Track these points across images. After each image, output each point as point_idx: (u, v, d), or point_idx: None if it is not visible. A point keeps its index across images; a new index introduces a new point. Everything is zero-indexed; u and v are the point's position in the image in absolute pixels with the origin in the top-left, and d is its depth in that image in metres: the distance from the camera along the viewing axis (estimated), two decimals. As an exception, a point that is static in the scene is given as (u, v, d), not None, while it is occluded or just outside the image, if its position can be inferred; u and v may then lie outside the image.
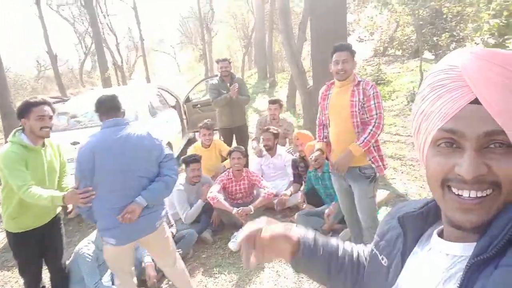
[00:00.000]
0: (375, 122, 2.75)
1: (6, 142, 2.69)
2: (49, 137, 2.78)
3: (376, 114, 2.76)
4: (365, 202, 2.94)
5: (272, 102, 5.55)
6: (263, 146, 4.86)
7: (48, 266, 2.99)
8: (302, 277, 3.28)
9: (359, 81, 2.81)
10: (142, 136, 2.46)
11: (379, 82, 10.66)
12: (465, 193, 0.58)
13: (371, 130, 2.75)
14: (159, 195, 2.49)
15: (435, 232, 0.71)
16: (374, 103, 2.75)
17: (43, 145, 2.75)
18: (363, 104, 2.75)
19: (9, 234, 2.77)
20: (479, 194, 0.57)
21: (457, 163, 0.58)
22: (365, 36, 13.09)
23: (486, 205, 0.58)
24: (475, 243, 0.58)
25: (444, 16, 11.52)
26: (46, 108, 2.70)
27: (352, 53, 2.82)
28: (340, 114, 2.86)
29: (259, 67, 19.81)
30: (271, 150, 4.80)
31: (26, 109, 2.65)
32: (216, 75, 5.64)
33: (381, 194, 4.38)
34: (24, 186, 2.46)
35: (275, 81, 16.80)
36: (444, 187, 0.61)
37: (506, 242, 0.55)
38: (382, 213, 4.03)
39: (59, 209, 3.01)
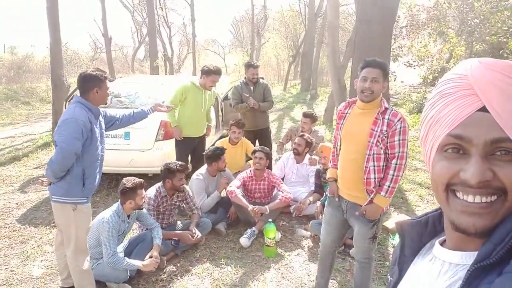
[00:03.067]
0: (396, 164, 2.38)
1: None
2: (210, 90, 4.89)
3: (399, 153, 2.37)
4: (363, 242, 2.61)
5: (305, 115, 5.57)
6: (293, 149, 4.93)
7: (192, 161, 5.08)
8: (305, 284, 3.32)
9: (386, 108, 2.39)
10: (67, 111, 2.74)
11: (422, 110, 10.40)
12: (470, 198, 0.58)
13: (393, 175, 2.39)
14: (48, 167, 2.70)
15: (437, 241, 0.71)
16: (399, 140, 2.36)
17: (205, 90, 4.81)
18: (385, 137, 2.37)
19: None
20: (484, 200, 0.58)
21: (462, 169, 0.59)
22: (414, 61, 12.84)
23: (491, 210, 0.58)
24: (477, 252, 0.58)
25: (501, 52, 11.12)
26: (217, 78, 4.76)
27: (385, 73, 2.42)
28: (354, 141, 2.48)
29: (303, 79, 19.86)
30: (299, 155, 4.86)
31: (208, 72, 4.68)
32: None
33: (401, 219, 4.32)
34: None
35: (317, 94, 16.78)
36: (449, 191, 0.62)
37: (509, 248, 0.55)
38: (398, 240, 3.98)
39: (204, 132, 5.06)
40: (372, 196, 2.44)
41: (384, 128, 2.35)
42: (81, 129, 2.62)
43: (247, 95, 5.28)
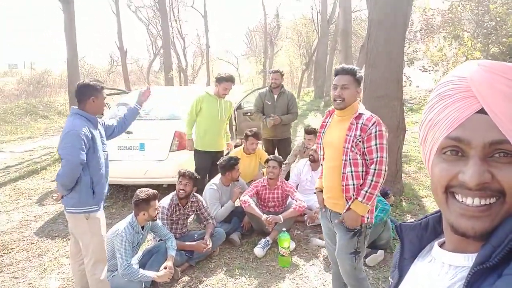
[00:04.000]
0: (374, 170, 2.30)
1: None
2: (224, 98, 4.86)
3: (377, 158, 2.30)
4: (344, 257, 2.46)
5: (308, 132, 5.30)
6: (309, 156, 4.84)
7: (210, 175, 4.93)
8: (321, 294, 3.27)
9: (360, 114, 2.36)
10: (67, 123, 2.82)
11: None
12: (469, 200, 0.58)
13: (372, 180, 2.30)
14: (57, 181, 2.80)
15: (436, 243, 0.71)
16: (376, 144, 2.30)
17: (219, 99, 4.82)
18: (359, 141, 2.32)
19: (196, 151, 4.93)
20: (483, 202, 0.58)
21: (461, 171, 0.59)
22: (429, 66, 12.67)
23: (490, 213, 0.58)
24: (476, 254, 0.58)
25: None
26: (230, 85, 4.77)
27: (357, 79, 2.41)
28: (333, 148, 2.46)
29: (317, 86, 19.85)
30: (314, 162, 4.78)
31: (220, 79, 4.75)
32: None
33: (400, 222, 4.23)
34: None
35: (330, 101, 16.72)
36: (448, 193, 0.62)
37: (509, 251, 0.54)
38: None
39: (224, 147, 5.13)
40: (349, 202, 2.36)
41: (358, 132, 2.31)
42: (83, 139, 2.70)
43: (269, 103, 5.27)
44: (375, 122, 2.31)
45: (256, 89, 9.59)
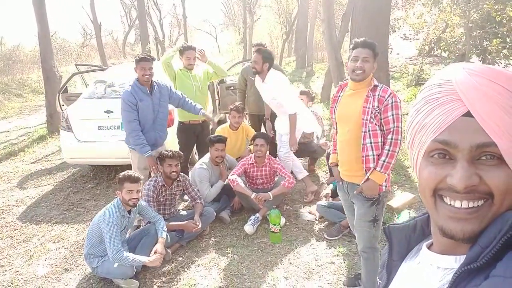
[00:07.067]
0: (391, 139, 2.39)
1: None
2: (192, 68, 4.75)
3: (393, 127, 2.39)
4: (364, 225, 2.58)
5: (301, 92, 5.58)
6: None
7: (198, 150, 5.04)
8: (313, 269, 3.30)
9: (375, 86, 2.43)
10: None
11: (420, 82, 10.35)
12: (457, 203, 0.59)
13: (389, 150, 2.39)
14: (127, 141, 3.95)
15: (424, 245, 0.71)
16: (392, 115, 2.38)
17: (191, 70, 4.75)
18: (378, 113, 2.40)
19: (179, 123, 4.82)
20: (471, 205, 0.58)
21: (449, 174, 0.59)
22: (410, 34, 12.63)
23: (479, 215, 0.58)
24: (464, 256, 0.59)
25: (498, 20, 10.92)
26: (191, 53, 4.66)
27: (375, 53, 2.47)
28: (349, 121, 2.52)
29: (298, 55, 19.57)
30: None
31: (180, 51, 4.67)
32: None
33: (405, 197, 4.30)
34: None
35: (313, 70, 16.57)
36: (436, 196, 0.62)
37: (495, 252, 0.55)
38: (404, 216, 3.96)
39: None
40: (368, 173, 2.44)
41: (376, 104, 2.39)
42: (128, 104, 3.68)
43: (253, 79, 5.14)
44: (390, 93, 2.39)
45: (239, 62, 9.30)
